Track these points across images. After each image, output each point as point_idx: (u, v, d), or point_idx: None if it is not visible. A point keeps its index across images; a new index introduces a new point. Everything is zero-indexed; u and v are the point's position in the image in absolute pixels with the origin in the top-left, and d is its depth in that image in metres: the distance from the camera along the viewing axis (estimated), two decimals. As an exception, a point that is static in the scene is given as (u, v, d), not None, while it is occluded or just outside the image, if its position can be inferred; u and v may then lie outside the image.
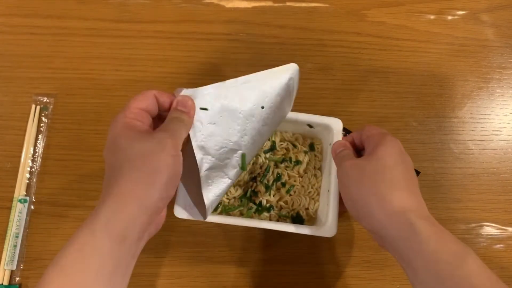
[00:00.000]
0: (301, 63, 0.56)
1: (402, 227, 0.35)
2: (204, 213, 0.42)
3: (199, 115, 0.39)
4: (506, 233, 0.52)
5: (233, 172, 0.42)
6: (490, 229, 0.52)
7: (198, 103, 0.39)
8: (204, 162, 0.40)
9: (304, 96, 0.55)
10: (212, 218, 0.44)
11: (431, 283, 0.33)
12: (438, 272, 0.33)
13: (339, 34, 0.58)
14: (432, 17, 0.60)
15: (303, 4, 0.59)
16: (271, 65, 0.56)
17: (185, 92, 0.38)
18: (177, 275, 0.49)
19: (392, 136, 0.41)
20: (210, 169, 0.40)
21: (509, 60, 0.58)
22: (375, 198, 0.37)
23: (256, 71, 0.55)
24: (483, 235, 0.52)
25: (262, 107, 0.42)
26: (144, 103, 0.37)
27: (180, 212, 0.43)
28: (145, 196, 0.33)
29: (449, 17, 0.60)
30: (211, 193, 0.41)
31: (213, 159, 0.40)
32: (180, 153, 0.36)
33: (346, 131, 0.53)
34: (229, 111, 0.41)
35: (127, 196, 0.33)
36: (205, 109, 0.40)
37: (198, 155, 0.39)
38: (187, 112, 0.38)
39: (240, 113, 0.41)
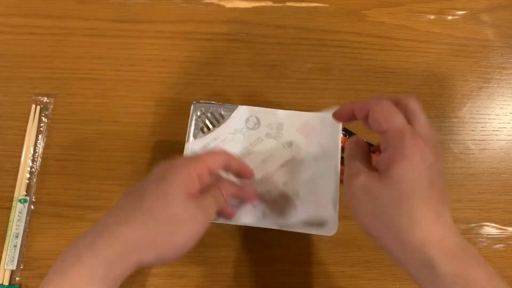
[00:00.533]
0: (301, 63, 0.57)
1: (422, 268, 0.31)
2: None
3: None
4: (506, 233, 0.52)
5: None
6: (490, 229, 0.52)
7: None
8: None
9: (304, 96, 0.55)
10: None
11: None
12: None
13: (339, 34, 0.58)
14: (432, 17, 0.60)
15: (303, 4, 0.59)
16: (271, 65, 0.56)
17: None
18: (177, 275, 0.49)
19: (413, 137, 0.32)
20: None
21: (509, 60, 0.58)
22: (390, 234, 0.32)
23: (257, 71, 0.55)
24: (483, 235, 0.52)
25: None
26: (216, 164, 0.38)
27: None
28: (161, 254, 0.34)
29: (449, 17, 0.60)
30: None
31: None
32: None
33: (346, 131, 0.53)
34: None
35: (138, 251, 0.33)
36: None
37: None
38: (224, 196, 0.39)
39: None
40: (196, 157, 0.38)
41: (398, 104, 0.35)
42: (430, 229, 0.31)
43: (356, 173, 0.34)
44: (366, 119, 0.35)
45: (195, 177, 0.36)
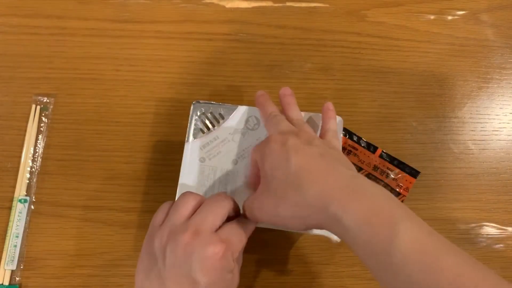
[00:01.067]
0: (301, 63, 0.57)
1: (332, 226, 0.33)
2: None
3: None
4: (506, 233, 0.52)
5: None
6: (490, 229, 0.52)
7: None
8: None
9: (304, 96, 0.55)
10: None
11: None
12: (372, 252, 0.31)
13: (339, 34, 0.58)
14: (432, 17, 0.60)
15: (303, 4, 0.59)
16: (271, 65, 0.56)
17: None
18: (177, 275, 0.49)
19: (269, 136, 0.39)
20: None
21: (509, 60, 0.58)
22: (302, 216, 0.34)
23: (257, 71, 0.56)
24: (483, 235, 0.52)
25: None
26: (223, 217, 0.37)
27: None
28: None
29: (449, 17, 0.60)
30: None
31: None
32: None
33: (346, 131, 0.53)
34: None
35: None
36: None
37: None
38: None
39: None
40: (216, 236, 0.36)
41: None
42: (324, 187, 0.33)
43: (250, 206, 0.39)
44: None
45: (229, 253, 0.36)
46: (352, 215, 0.31)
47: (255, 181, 0.42)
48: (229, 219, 0.38)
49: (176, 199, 0.43)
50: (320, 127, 0.46)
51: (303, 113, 0.48)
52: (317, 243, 0.50)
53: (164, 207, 0.38)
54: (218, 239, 0.34)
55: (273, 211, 0.36)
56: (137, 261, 0.37)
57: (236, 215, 0.39)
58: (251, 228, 0.39)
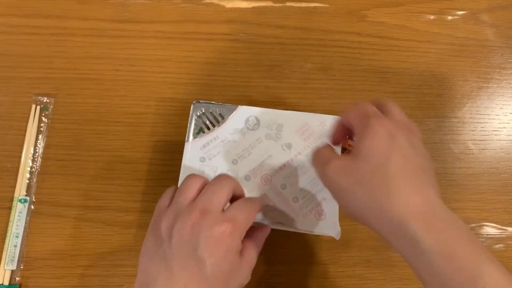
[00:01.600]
0: (301, 63, 0.57)
1: (406, 245, 0.31)
2: None
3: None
4: (506, 233, 0.52)
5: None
6: (490, 229, 0.52)
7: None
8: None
9: (304, 96, 0.55)
10: None
11: None
12: None
13: (339, 34, 0.58)
14: (432, 17, 0.60)
15: (303, 4, 0.59)
16: (271, 65, 0.56)
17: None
18: (177, 275, 0.49)
19: (378, 118, 0.35)
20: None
21: (509, 60, 0.58)
22: (370, 210, 0.33)
23: (257, 71, 0.55)
24: (483, 235, 0.52)
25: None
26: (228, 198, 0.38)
27: None
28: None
29: (449, 17, 0.60)
30: None
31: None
32: None
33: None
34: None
35: None
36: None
37: None
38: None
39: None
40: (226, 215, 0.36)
41: (374, 105, 0.38)
42: (408, 200, 0.32)
43: (328, 160, 0.35)
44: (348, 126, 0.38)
45: (240, 237, 0.36)
46: (434, 241, 0.30)
47: (338, 139, 0.40)
48: (233, 199, 0.38)
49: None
50: (317, 127, 0.46)
51: (303, 113, 0.48)
52: (317, 243, 0.50)
53: (169, 191, 0.39)
54: (225, 218, 0.35)
55: (345, 186, 0.34)
56: (142, 245, 0.37)
57: (240, 196, 0.40)
58: (257, 207, 0.39)
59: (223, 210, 0.36)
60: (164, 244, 0.35)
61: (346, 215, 0.47)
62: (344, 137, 0.40)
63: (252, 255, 0.38)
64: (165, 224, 0.35)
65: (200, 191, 0.37)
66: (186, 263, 0.34)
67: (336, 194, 0.36)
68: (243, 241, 0.37)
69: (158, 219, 0.37)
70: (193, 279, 0.33)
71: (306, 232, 0.45)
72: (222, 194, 0.36)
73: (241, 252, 0.36)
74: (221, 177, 0.38)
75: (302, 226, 0.44)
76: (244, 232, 0.37)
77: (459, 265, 0.29)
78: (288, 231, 0.44)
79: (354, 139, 0.38)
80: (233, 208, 0.37)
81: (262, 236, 0.41)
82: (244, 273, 0.37)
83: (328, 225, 0.45)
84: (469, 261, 0.29)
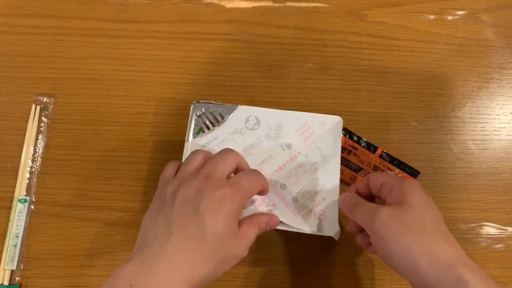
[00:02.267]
0: (301, 63, 0.57)
1: (454, 283, 0.34)
2: None
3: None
4: (506, 233, 0.52)
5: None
6: (490, 229, 0.52)
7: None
8: None
9: (304, 96, 0.55)
10: None
11: None
12: None
13: (339, 34, 0.58)
14: (432, 17, 0.60)
15: (303, 4, 0.59)
16: (271, 65, 0.56)
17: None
18: (177, 275, 0.49)
19: (407, 179, 0.40)
20: None
21: (509, 60, 0.58)
22: (422, 252, 0.35)
23: (257, 71, 0.56)
24: (483, 235, 0.52)
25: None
26: (232, 168, 0.39)
27: None
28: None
29: (449, 17, 0.60)
30: None
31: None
32: None
33: (346, 131, 0.53)
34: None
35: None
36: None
37: None
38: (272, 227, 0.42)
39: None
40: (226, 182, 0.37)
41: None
42: (452, 247, 0.36)
43: (376, 207, 0.39)
44: (368, 191, 0.43)
45: (242, 201, 0.37)
46: (479, 282, 0.33)
47: (345, 197, 0.43)
48: (238, 172, 0.40)
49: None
50: (317, 127, 0.47)
51: (302, 113, 0.48)
52: (317, 243, 0.50)
53: (173, 164, 0.40)
54: (228, 182, 0.36)
55: (396, 230, 0.37)
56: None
57: (245, 169, 0.40)
58: (261, 179, 0.40)
59: (227, 178, 0.38)
60: (167, 207, 0.36)
61: (345, 216, 0.47)
62: (365, 192, 0.44)
63: (250, 231, 0.38)
64: (170, 190, 0.37)
65: (205, 162, 0.38)
66: (185, 222, 0.34)
67: (384, 236, 0.37)
68: (245, 219, 0.38)
69: (163, 187, 0.38)
70: (190, 238, 0.34)
71: (306, 232, 0.44)
72: (227, 163, 0.38)
73: (240, 225, 0.37)
74: (226, 150, 0.39)
75: (301, 226, 0.44)
76: (246, 199, 0.38)
77: None
78: (288, 232, 0.44)
79: (382, 195, 0.41)
80: (237, 176, 0.38)
81: (266, 220, 0.41)
82: (240, 246, 0.37)
83: (327, 225, 0.45)
84: None
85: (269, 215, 0.42)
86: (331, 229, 0.44)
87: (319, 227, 0.45)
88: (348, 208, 0.42)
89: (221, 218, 0.35)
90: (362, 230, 0.43)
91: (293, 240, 0.50)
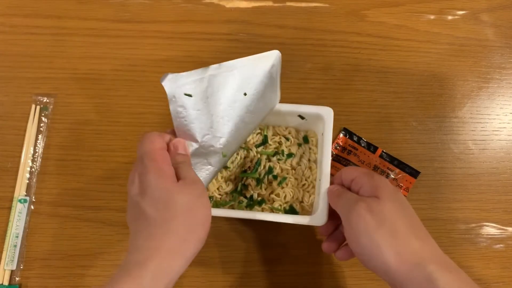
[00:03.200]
0: (301, 63, 0.57)
1: (423, 282, 0.34)
2: None
3: (182, 100, 0.39)
4: (506, 233, 0.52)
5: (215, 159, 0.42)
6: (490, 229, 0.52)
7: (182, 89, 0.39)
8: (189, 147, 0.40)
9: (304, 96, 0.55)
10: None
11: None
12: None
13: (339, 34, 0.58)
14: (432, 17, 0.60)
15: (303, 4, 0.59)
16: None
17: (169, 77, 0.39)
18: (177, 275, 0.49)
19: (379, 176, 0.40)
20: (193, 155, 0.40)
21: (509, 60, 0.58)
22: (393, 251, 0.35)
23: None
24: (483, 235, 0.52)
25: (245, 94, 0.42)
26: (161, 143, 0.38)
27: None
28: (191, 250, 0.35)
29: (449, 17, 0.60)
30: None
31: (196, 145, 0.40)
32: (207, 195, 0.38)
33: (346, 131, 0.53)
34: (212, 98, 0.41)
35: (175, 254, 0.34)
36: (189, 95, 0.40)
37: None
38: (187, 154, 0.39)
39: (222, 99, 0.41)
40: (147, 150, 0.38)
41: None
42: (425, 243, 0.36)
43: (357, 199, 0.39)
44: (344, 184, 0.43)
45: (163, 162, 0.37)
46: (449, 280, 0.33)
47: (332, 191, 0.43)
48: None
49: None
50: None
51: (312, 107, 0.47)
52: (317, 243, 0.50)
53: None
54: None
55: (371, 225, 0.37)
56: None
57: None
58: (146, 137, 0.39)
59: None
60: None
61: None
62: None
63: (188, 181, 0.37)
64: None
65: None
66: (133, 221, 0.36)
67: (360, 231, 0.37)
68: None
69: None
70: (140, 229, 0.35)
71: (290, 222, 0.43)
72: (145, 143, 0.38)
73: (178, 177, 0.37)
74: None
75: (286, 216, 0.44)
76: (157, 156, 0.36)
77: None
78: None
79: (352, 190, 0.41)
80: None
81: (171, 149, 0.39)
82: (190, 195, 0.36)
83: (315, 215, 0.43)
84: None
85: (173, 143, 0.40)
86: (321, 219, 0.43)
87: (307, 217, 0.43)
88: (332, 198, 0.42)
89: (158, 162, 0.36)
90: (330, 234, 0.44)
91: (293, 241, 0.50)
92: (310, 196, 0.48)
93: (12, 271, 0.48)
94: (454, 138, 0.55)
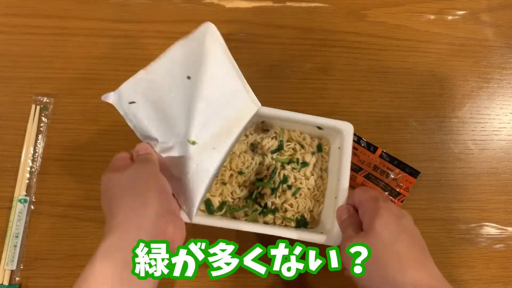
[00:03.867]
0: (301, 63, 0.57)
1: None
2: (188, 212, 0.42)
3: (131, 110, 0.41)
4: (506, 233, 0.52)
5: (184, 148, 0.41)
6: (490, 229, 0.52)
7: (126, 100, 0.42)
8: (154, 147, 0.42)
9: (304, 96, 0.55)
10: (217, 222, 0.44)
11: None
12: None
13: (339, 34, 0.58)
14: (432, 17, 0.60)
15: (303, 4, 0.59)
16: (271, 65, 0.56)
17: (111, 95, 0.43)
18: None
19: (385, 201, 0.40)
20: (163, 151, 0.42)
21: (509, 60, 0.58)
22: (385, 283, 0.36)
23: (257, 71, 0.55)
24: (483, 235, 0.52)
25: (188, 77, 0.42)
26: (123, 157, 0.43)
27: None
28: (142, 219, 0.36)
29: (449, 17, 0.60)
30: (173, 170, 0.42)
31: (159, 143, 0.42)
32: (159, 170, 0.40)
33: (355, 137, 0.53)
34: (156, 94, 0.42)
35: (126, 224, 0.35)
36: (133, 102, 0.42)
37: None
38: (150, 152, 0.42)
39: (165, 89, 0.42)
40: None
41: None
42: (419, 271, 0.37)
43: (346, 239, 0.40)
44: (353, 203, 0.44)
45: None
46: None
47: (342, 214, 0.44)
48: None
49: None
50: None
51: (332, 120, 0.47)
52: (317, 244, 0.50)
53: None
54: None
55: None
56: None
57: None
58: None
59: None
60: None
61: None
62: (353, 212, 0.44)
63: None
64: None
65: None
66: (113, 200, 0.38)
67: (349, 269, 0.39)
68: None
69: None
70: (121, 205, 0.37)
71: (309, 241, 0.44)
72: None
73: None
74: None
75: (305, 234, 0.45)
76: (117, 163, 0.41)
77: None
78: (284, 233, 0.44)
79: (360, 211, 0.42)
80: None
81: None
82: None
83: (333, 235, 0.44)
84: None
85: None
86: (338, 239, 0.44)
87: (325, 236, 0.44)
88: (337, 219, 0.44)
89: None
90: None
91: (293, 240, 0.50)
92: (319, 205, 0.48)
93: (12, 271, 0.48)
94: (454, 138, 0.55)
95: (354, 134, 0.53)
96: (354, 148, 0.53)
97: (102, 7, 0.57)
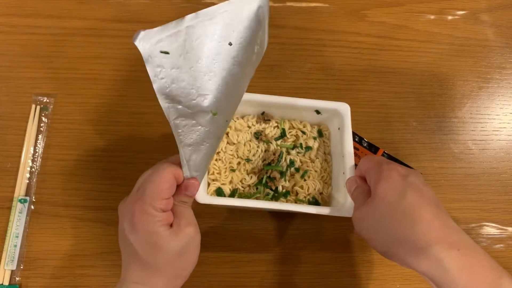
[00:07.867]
0: (301, 63, 0.57)
1: (431, 266, 0.34)
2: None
3: (160, 59, 0.36)
4: (506, 233, 0.52)
5: (205, 119, 0.38)
6: (490, 229, 0.52)
7: (157, 47, 0.35)
8: (171, 110, 0.37)
9: (304, 96, 0.55)
10: (235, 202, 0.45)
11: None
12: None
13: (339, 34, 0.58)
14: (432, 17, 0.60)
15: (303, 4, 0.59)
16: (271, 65, 0.56)
17: (142, 35, 0.35)
18: (177, 275, 0.49)
19: (389, 164, 0.40)
20: (179, 117, 0.37)
21: (509, 60, 0.59)
22: (396, 243, 0.36)
23: (257, 71, 0.55)
24: (483, 235, 0.52)
25: (230, 44, 0.38)
26: (170, 181, 0.37)
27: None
28: (178, 286, 0.38)
29: (449, 17, 0.60)
30: (183, 143, 0.38)
31: (180, 106, 0.37)
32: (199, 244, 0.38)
33: (355, 135, 0.53)
34: (193, 52, 0.37)
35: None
36: (166, 52, 0.36)
37: (164, 103, 0.37)
38: (193, 196, 0.39)
39: (204, 52, 0.37)
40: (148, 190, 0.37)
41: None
42: (431, 228, 0.35)
43: (356, 209, 0.41)
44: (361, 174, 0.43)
45: (162, 216, 0.37)
46: (456, 259, 0.34)
47: (351, 186, 0.44)
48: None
49: None
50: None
51: (330, 102, 0.48)
52: (317, 243, 0.50)
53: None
54: (136, 197, 0.38)
55: (368, 229, 0.39)
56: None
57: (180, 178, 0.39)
58: (165, 173, 0.38)
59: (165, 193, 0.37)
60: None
61: (344, 217, 0.47)
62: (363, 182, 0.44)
63: (183, 224, 0.37)
64: None
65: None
66: (124, 248, 0.38)
67: (363, 235, 0.40)
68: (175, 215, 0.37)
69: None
70: (132, 261, 0.37)
71: (326, 214, 0.44)
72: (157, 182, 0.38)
73: (172, 225, 0.37)
74: (157, 167, 0.39)
75: (321, 208, 0.45)
76: (155, 201, 0.36)
77: (478, 277, 0.33)
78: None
79: (367, 179, 0.42)
80: (141, 182, 0.39)
81: (183, 191, 0.39)
82: (182, 241, 0.36)
83: (346, 207, 0.44)
84: (486, 273, 0.34)
85: (188, 187, 0.39)
86: (351, 210, 0.43)
87: (340, 208, 0.45)
88: (348, 191, 0.44)
89: (143, 233, 0.36)
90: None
91: (293, 240, 0.50)
92: (328, 187, 0.49)
93: (12, 271, 0.48)
94: (454, 138, 0.55)
95: (356, 135, 0.53)
96: (355, 148, 0.53)
97: (102, 7, 0.57)
